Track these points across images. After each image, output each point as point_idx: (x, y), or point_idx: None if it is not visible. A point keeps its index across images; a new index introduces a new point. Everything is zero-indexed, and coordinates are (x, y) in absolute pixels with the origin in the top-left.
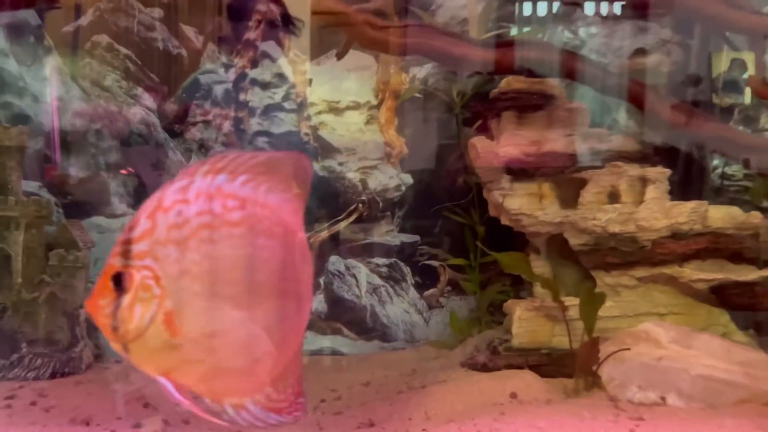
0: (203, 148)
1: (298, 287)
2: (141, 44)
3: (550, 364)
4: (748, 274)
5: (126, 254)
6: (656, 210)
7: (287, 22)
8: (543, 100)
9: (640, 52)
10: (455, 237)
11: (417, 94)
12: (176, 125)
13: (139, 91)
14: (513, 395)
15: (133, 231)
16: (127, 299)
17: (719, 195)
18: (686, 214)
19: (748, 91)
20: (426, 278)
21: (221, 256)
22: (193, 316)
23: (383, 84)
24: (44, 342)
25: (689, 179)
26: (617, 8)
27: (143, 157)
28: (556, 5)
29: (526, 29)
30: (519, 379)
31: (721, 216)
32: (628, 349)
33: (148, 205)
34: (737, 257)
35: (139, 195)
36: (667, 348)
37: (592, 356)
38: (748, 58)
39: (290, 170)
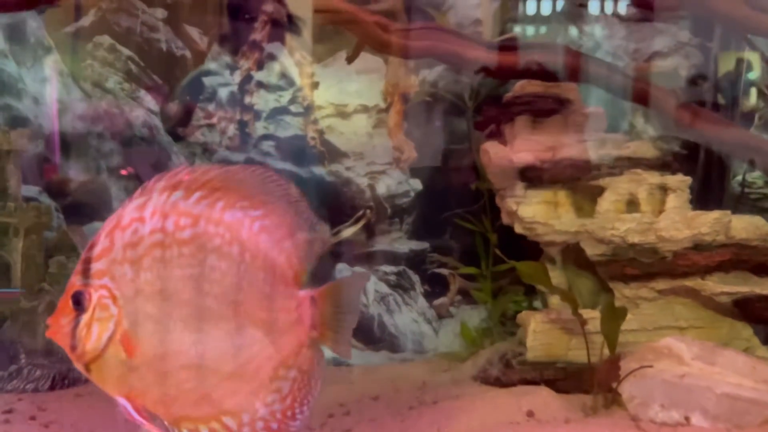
0: (207, 151)
1: (266, 311)
2: (144, 45)
3: (566, 378)
4: None
5: (86, 273)
6: (678, 220)
7: (288, 21)
8: (558, 105)
9: (657, 54)
10: (466, 244)
11: (427, 98)
12: (180, 128)
13: (142, 93)
14: (530, 413)
15: (93, 249)
16: (85, 318)
17: (740, 203)
18: (709, 224)
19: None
20: (435, 287)
21: (171, 276)
22: (147, 337)
23: (392, 87)
24: (43, 353)
25: (709, 186)
26: (633, 10)
27: (144, 158)
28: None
29: (541, 29)
30: (535, 395)
31: (744, 226)
32: (651, 366)
33: (109, 222)
34: (762, 270)
35: None
36: (690, 365)
37: (613, 373)
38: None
39: (252, 185)
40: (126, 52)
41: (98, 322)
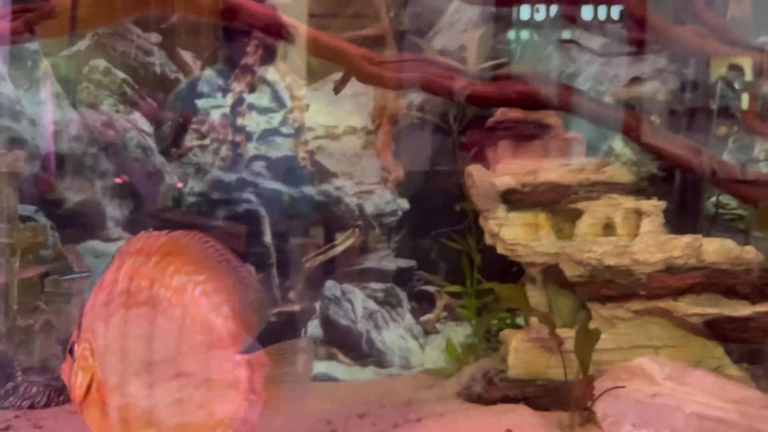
0: (200, 171)
1: (203, 373)
2: (138, 68)
3: (546, 395)
4: (742, 309)
5: (79, 326)
6: (651, 243)
7: (280, 29)
8: (539, 130)
9: (636, 80)
10: (452, 263)
11: (414, 120)
12: (173, 149)
13: (137, 115)
14: (508, 431)
15: (86, 305)
16: (75, 366)
17: (714, 223)
18: (681, 248)
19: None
20: (422, 304)
21: (131, 334)
22: (114, 387)
23: (380, 109)
24: (39, 370)
25: (684, 207)
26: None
27: (138, 169)
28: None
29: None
30: (515, 413)
31: (715, 249)
32: (623, 387)
33: (98, 281)
34: (731, 292)
35: (134, 219)
36: (661, 384)
37: (587, 393)
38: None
39: (196, 250)
40: (121, 75)
41: (82, 371)
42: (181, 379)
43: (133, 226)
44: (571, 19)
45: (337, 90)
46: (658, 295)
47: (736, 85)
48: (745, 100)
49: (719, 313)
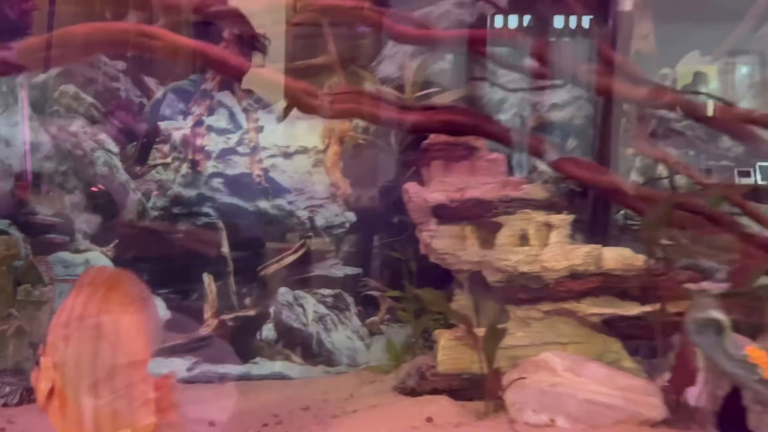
0: (162, 188)
1: (127, 393)
2: (105, 93)
3: (470, 387)
4: (632, 309)
5: (45, 341)
6: (558, 253)
7: (254, 41)
8: (467, 151)
9: (555, 106)
10: (394, 270)
11: (360, 141)
12: (137, 167)
13: (103, 136)
14: (429, 419)
15: (51, 324)
16: (40, 375)
17: (623, 232)
18: (582, 256)
19: None
20: (368, 307)
21: (80, 353)
22: (68, 397)
23: (329, 131)
24: (12, 372)
25: (597, 218)
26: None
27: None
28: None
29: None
30: (436, 404)
31: (613, 257)
32: (525, 378)
33: (62, 305)
34: (624, 294)
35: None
36: (561, 375)
37: (496, 384)
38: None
39: (127, 285)
40: (89, 99)
41: (44, 380)
42: (115, 394)
43: (98, 238)
44: (484, 55)
45: (280, 119)
46: (564, 297)
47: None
48: (636, 126)
49: (614, 312)
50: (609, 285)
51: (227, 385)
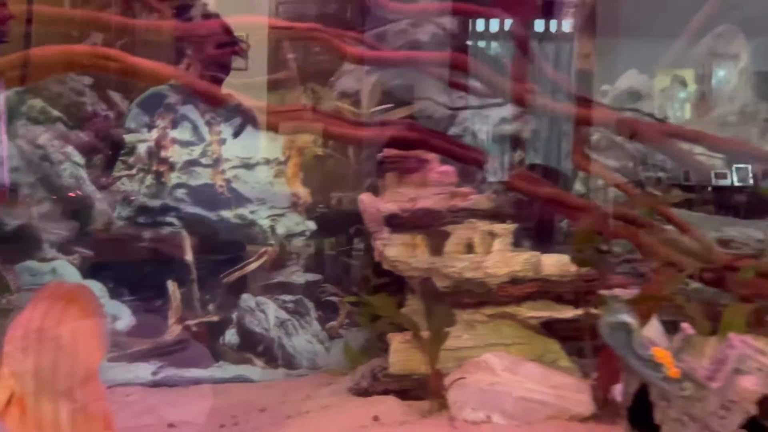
0: (126, 199)
1: (84, 399)
2: (72, 107)
3: (419, 388)
4: (567, 312)
5: (1, 351)
6: (499, 260)
7: (233, 44)
8: (419, 164)
9: (504, 120)
10: (352, 276)
11: (319, 153)
12: (103, 178)
13: (69, 148)
14: (375, 418)
15: (7, 335)
16: (1, 383)
17: (567, 237)
18: (521, 263)
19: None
20: (327, 312)
21: (39, 363)
22: (27, 405)
23: (290, 143)
24: None
25: (544, 225)
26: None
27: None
28: None
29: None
30: (384, 404)
31: (552, 263)
32: (465, 378)
33: (19, 317)
34: (560, 299)
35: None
36: (500, 375)
37: (439, 384)
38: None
39: (84, 299)
40: (56, 113)
41: (3, 388)
42: (74, 404)
43: (65, 247)
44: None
45: (235, 134)
46: (505, 302)
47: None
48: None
49: (550, 315)
50: (546, 290)
51: (202, 387)
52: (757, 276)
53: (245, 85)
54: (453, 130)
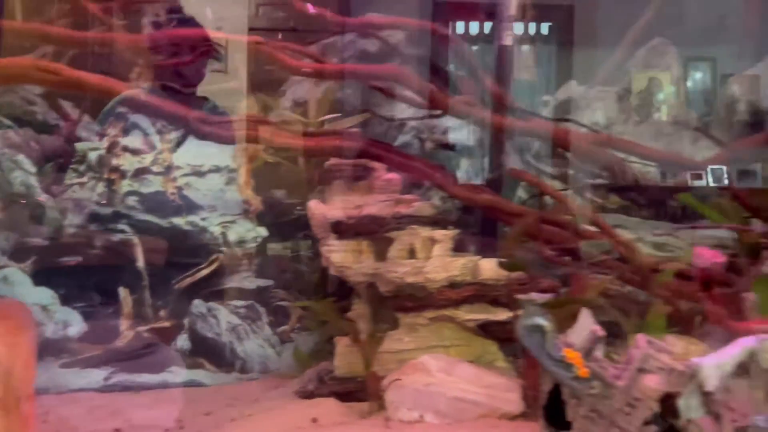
0: (78, 206)
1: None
2: (23, 116)
3: (361, 390)
4: (501, 315)
5: None
6: (438, 265)
7: (208, 48)
8: (365, 172)
9: (448, 129)
10: (303, 281)
11: (269, 160)
12: (54, 186)
13: (20, 156)
14: (314, 420)
15: None
16: None
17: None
18: (459, 268)
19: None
20: (279, 317)
21: None
22: None
23: (241, 151)
24: None
25: (487, 231)
26: None
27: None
28: None
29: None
30: (324, 406)
31: (490, 267)
32: (400, 379)
33: None
34: (495, 302)
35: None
36: (435, 376)
37: (376, 385)
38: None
39: (18, 315)
40: (6, 122)
41: None
42: (11, 418)
43: (16, 255)
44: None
45: (177, 145)
46: (445, 305)
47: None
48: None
49: (486, 318)
50: (482, 293)
51: (172, 391)
52: (679, 278)
53: (223, 90)
54: (402, 139)
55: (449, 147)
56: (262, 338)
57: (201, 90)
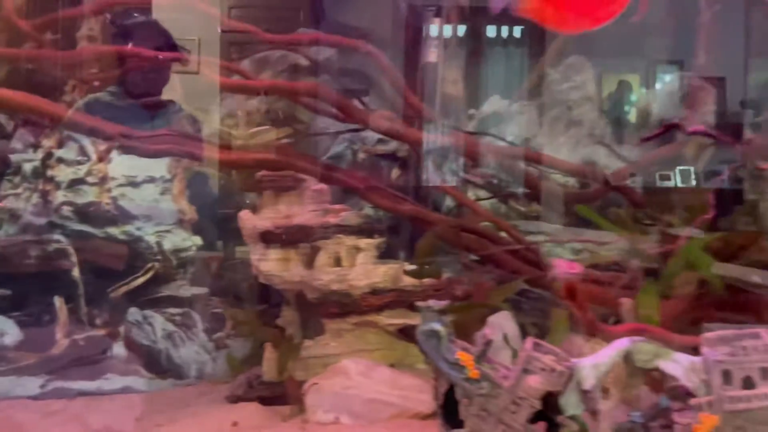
0: (14, 216)
1: None
2: None
3: (288, 395)
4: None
5: None
6: (361, 272)
7: (174, 50)
8: (295, 182)
9: (381, 141)
10: (238, 288)
11: (200, 171)
12: None
13: None
14: (234, 423)
15: None
16: None
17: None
18: (381, 275)
19: None
20: (214, 324)
21: None
22: None
23: (176, 161)
24: None
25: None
26: None
27: None
28: None
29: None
30: (245, 409)
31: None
32: (317, 383)
33: None
34: (411, 307)
35: None
36: (354, 379)
37: (295, 390)
38: None
39: None
40: None
41: None
42: None
43: None
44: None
45: (99, 159)
46: (367, 311)
47: None
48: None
49: (405, 322)
50: (402, 299)
51: (130, 397)
52: (589, 282)
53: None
54: (335, 150)
55: (391, 157)
56: (198, 345)
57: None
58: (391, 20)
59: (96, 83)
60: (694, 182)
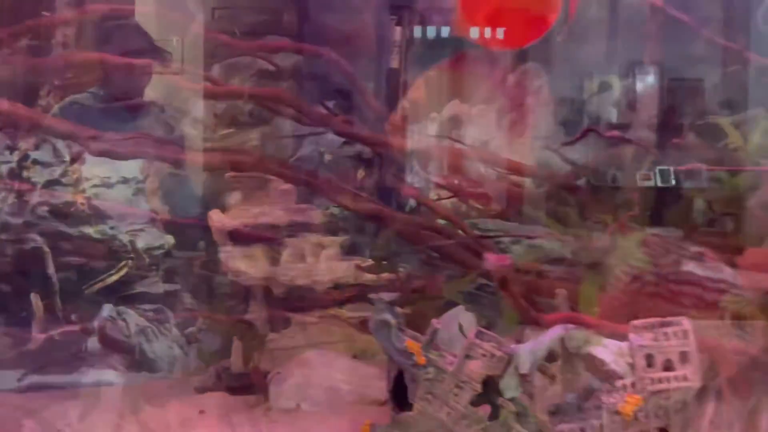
0: None
1: None
2: None
3: (254, 384)
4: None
5: None
6: (324, 268)
7: (156, 52)
8: (263, 182)
9: (346, 143)
10: (209, 285)
11: (175, 172)
12: None
13: None
14: (201, 412)
15: None
16: None
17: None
18: (342, 271)
19: None
20: (187, 319)
21: None
22: None
23: (148, 163)
24: None
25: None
26: None
27: None
28: None
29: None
30: (213, 398)
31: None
32: (279, 372)
33: None
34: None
35: None
36: (316, 369)
37: (260, 379)
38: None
39: None
40: None
41: None
42: None
43: None
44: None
45: (72, 161)
46: (331, 305)
47: None
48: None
49: (364, 315)
50: (363, 293)
51: (105, 390)
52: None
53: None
54: (302, 152)
55: (356, 159)
56: (171, 339)
57: None
58: (360, 26)
59: (71, 87)
60: (673, 182)
